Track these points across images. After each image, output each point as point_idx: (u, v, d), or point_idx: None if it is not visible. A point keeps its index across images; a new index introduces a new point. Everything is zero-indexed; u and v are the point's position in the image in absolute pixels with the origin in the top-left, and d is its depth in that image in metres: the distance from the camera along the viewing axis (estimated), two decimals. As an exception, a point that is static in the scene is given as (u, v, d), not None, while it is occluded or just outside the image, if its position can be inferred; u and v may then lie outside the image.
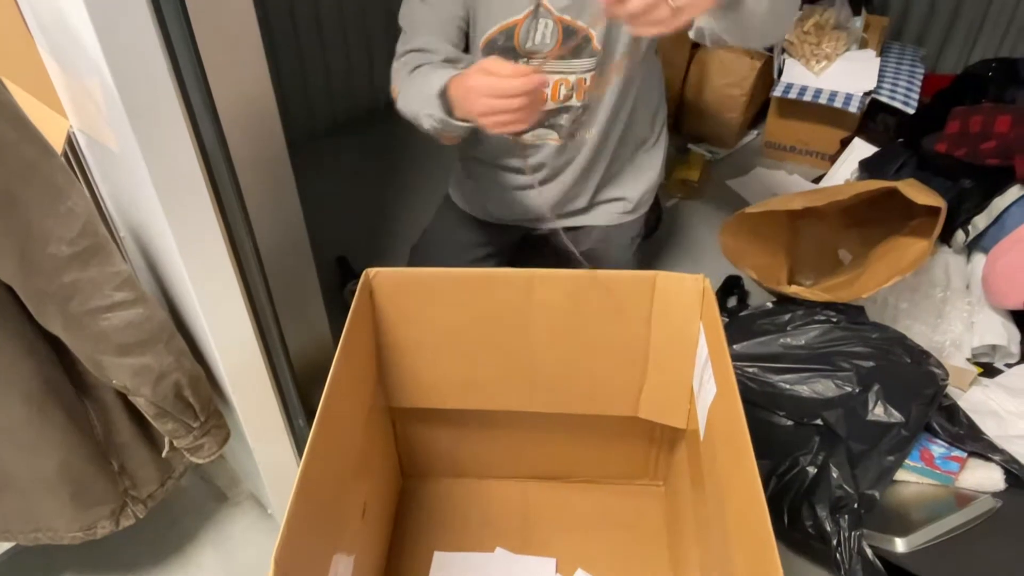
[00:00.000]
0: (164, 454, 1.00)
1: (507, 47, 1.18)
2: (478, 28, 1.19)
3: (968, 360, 1.41)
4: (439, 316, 1.04)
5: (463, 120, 1.01)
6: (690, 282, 1.00)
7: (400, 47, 1.19)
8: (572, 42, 1.16)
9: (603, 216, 1.43)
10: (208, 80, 0.80)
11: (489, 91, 0.91)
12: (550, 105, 1.23)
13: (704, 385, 0.96)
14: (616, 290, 1.02)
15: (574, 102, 1.23)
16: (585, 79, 1.20)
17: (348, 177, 2.16)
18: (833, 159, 2.06)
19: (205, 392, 0.97)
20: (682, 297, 1.01)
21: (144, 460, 1.01)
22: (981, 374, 1.39)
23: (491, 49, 1.19)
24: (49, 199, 0.77)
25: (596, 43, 1.17)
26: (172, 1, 0.73)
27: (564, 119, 1.25)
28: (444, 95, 1.02)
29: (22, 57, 0.91)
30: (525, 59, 1.19)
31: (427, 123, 1.08)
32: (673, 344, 1.03)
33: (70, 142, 0.97)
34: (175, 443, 0.97)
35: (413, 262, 1.50)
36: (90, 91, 0.84)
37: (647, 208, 1.47)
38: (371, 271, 1.00)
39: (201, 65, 0.78)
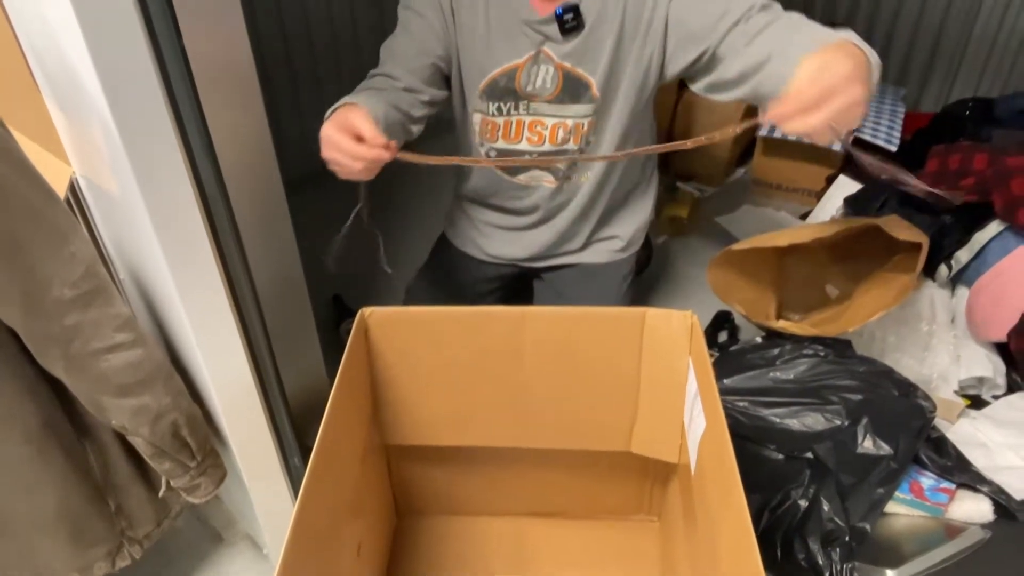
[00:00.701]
0: (161, 494, 1.01)
1: (508, 88, 1.22)
2: (476, 69, 1.22)
3: (955, 392, 1.43)
4: (433, 354, 1.06)
5: None
6: (678, 318, 1.02)
7: (371, 72, 1.20)
8: (572, 88, 1.20)
9: (597, 254, 1.45)
10: (208, 124, 0.83)
11: (335, 146, 0.95)
12: (547, 147, 1.27)
13: (694, 419, 0.98)
14: (606, 327, 1.04)
15: (571, 146, 1.26)
16: (583, 124, 1.24)
17: (344, 217, 2.18)
18: (819, 196, 2.10)
19: (202, 431, 0.98)
20: (671, 333, 1.03)
21: (141, 500, 1.02)
22: (969, 406, 1.41)
23: (493, 90, 1.22)
24: (53, 243, 0.79)
25: (595, 91, 1.20)
26: (173, 48, 0.76)
27: (561, 164, 1.29)
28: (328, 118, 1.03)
29: (27, 105, 0.94)
30: (525, 101, 1.23)
31: None
32: (663, 379, 1.05)
33: (72, 187, 0.99)
34: (172, 483, 0.97)
35: (408, 301, 1.52)
36: (92, 137, 0.87)
37: (639, 246, 1.49)
38: (367, 310, 1.02)
39: (201, 110, 0.81)
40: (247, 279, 0.96)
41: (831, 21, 2.49)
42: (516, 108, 1.23)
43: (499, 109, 1.24)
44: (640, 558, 1.21)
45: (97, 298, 0.83)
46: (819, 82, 0.82)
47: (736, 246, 1.39)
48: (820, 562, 1.07)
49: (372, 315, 1.02)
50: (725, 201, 2.28)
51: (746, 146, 2.39)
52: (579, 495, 1.26)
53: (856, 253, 1.56)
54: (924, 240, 1.28)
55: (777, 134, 2.10)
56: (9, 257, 0.76)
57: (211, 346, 0.96)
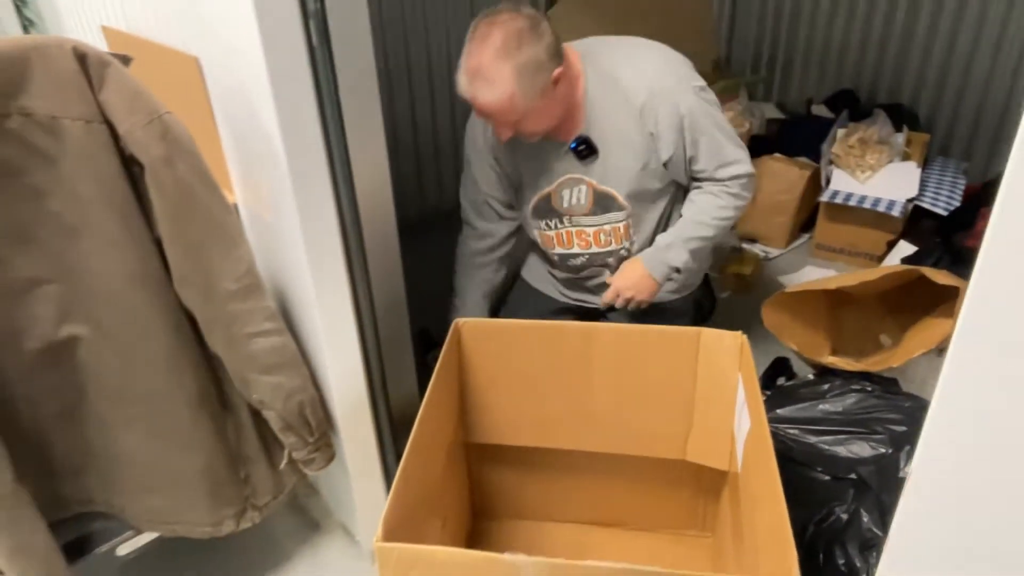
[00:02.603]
0: (281, 466, 1.19)
1: (549, 208, 1.43)
2: (524, 194, 1.44)
3: (1004, 436, 1.50)
4: (515, 361, 1.23)
5: None
6: (730, 338, 1.16)
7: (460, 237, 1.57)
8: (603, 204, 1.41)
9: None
10: (353, 175, 1.06)
11: None
12: (595, 249, 1.45)
13: (741, 424, 1.11)
14: (665, 344, 1.19)
15: (614, 246, 1.45)
16: (620, 227, 1.42)
17: (431, 263, 2.40)
18: (880, 260, 2.21)
19: (320, 414, 1.17)
20: (723, 351, 1.17)
21: (264, 473, 1.20)
22: (1018, 450, 1.47)
23: (539, 210, 1.44)
24: (227, 246, 1.01)
25: (623, 201, 1.38)
26: (335, 118, 1.00)
27: (611, 260, 1.47)
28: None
29: (208, 149, 1.19)
30: (567, 216, 1.43)
31: None
32: (716, 393, 1.18)
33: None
34: (293, 454, 1.16)
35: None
36: (258, 177, 1.11)
37: (692, 290, 1.64)
38: (460, 321, 1.21)
39: (349, 163, 1.04)
40: (367, 294, 1.16)
41: (897, 103, 2.64)
42: (560, 222, 1.44)
43: (547, 224, 1.46)
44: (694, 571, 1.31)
45: (253, 292, 1.05)
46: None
47: (789, 288, 1.53)
48: (858, 565, 1.16)
49: (465, 325, 1.21)
50: (789, 263, 2.40)
51: (809, 214, 2.52)
52: (638, 506, 1.38)
53: (908, 305, 1.67)
54: (962, 285, 1.39)
55: (838, 199, 2.24)
56: (196, 254, 0.99)
57: (336, 346, 1.16)
